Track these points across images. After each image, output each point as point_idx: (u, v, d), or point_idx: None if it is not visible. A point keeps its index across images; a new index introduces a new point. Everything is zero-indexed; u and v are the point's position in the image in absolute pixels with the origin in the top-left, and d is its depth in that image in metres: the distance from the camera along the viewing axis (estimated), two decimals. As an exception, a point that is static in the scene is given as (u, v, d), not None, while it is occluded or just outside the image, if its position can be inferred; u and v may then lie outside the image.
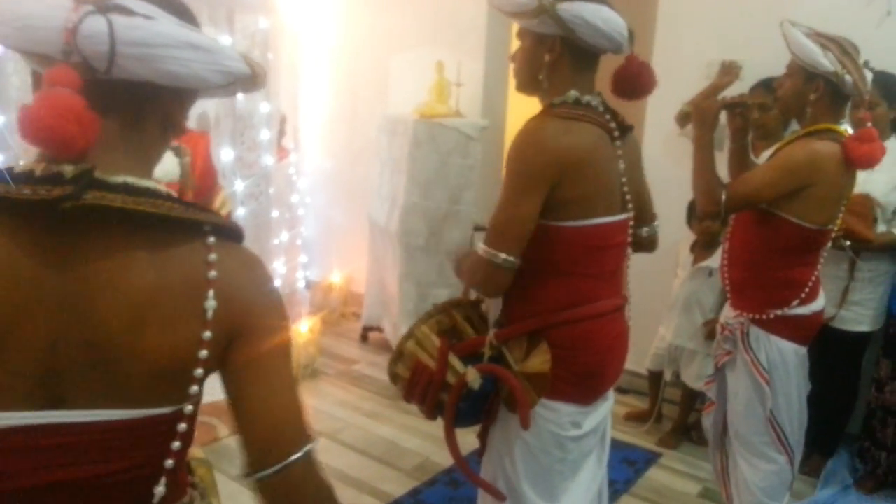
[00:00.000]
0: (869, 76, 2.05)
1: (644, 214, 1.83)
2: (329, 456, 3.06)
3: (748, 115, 2.24)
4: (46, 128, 0.75)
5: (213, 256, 0.86)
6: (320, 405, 3.56)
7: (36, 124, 0.75)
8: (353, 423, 3.40)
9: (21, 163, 0.82)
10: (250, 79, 0.89)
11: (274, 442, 0.89)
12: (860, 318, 2.92)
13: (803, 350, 2.21)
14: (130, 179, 0.83)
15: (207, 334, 0.85)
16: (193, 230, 0.87)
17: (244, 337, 0.89)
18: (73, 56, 0.76)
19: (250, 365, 0.89)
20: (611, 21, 1.56)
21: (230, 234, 0.91)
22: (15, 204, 0.77)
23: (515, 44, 1.72)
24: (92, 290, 0.81)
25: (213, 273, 0.85)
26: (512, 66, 1.73)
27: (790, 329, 2.15)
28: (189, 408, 0.88)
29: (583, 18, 1.53)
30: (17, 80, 3.01)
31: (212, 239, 0.87)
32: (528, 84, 1.69)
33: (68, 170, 0.78)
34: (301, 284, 4.51)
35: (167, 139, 0.92)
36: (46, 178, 0.78)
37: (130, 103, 0.83)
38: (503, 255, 1.56)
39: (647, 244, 1.88)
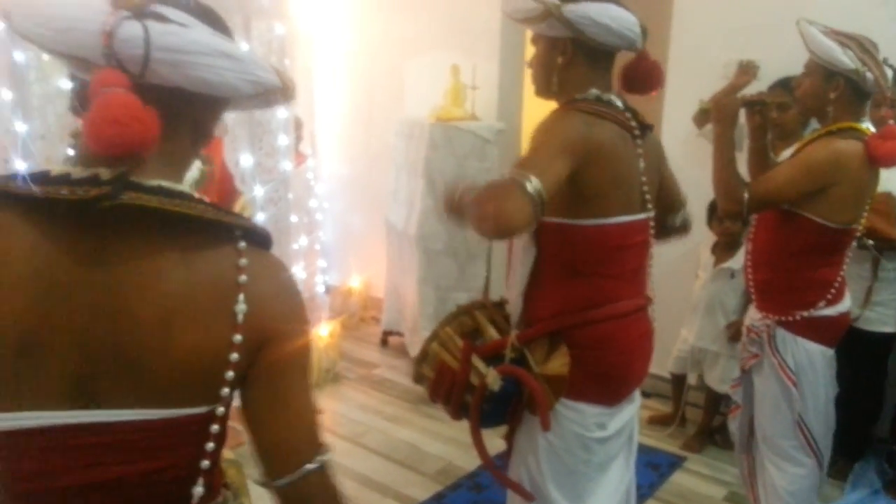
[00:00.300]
0: (890, 73, 2.03)
1: (672, 203, 1.84)
2: (352, 460, 3.07)
3: (767, 113, 2.23)
4: (119, 126, 0.76)
5: (243, 261, 0.87)
6: (342, 409, 3.57)
7: (104, 125, 0.76)
8: (375, 427, 3.40)
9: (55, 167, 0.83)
10: (279, 90, 0.90)
11: (290, 451, 0.91)
12: (884, 318, 2.88)
13: (830, 352, 2.18)
14: (165, 183, 0.84)
15: (238, 337, 0.86)
16: (225, 234, 0.88)
17: (271, 343, 0.90)
18: (112, 60, 0.78)
19: (272, 372, 0.90)
20: (620, 18, 1.56)
21: (260, 239, 0.91)
22: (53, 204, 0.79)
23: (530, 47, 1.73)
24: (125, 290, 0.82)
25: (243, 277, 0.86)
26: (530, 72, 1.74)
27: (817, 331, 2.13)
28: (220, 409, 0.89)
29: (590, 18, 1.53)
30: (39, 88, 3.05)
31: (242, 244, 0.88)
32: (546, 88, 1.69)
33: (104, 172, 0.80)
34: (320, 289, 4.52)
35: (197, 148, 0.93)
36: (83, 180, 0.80)
37: (163, 110, 0.84)
38: (535, 180, 1.37)
39: (679, 230, 1.91)
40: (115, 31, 0.78)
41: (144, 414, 0.83)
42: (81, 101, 0.85)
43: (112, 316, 0.82)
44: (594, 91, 1.62)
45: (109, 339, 0.82)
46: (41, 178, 0.81)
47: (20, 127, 2.93)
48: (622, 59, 1.71)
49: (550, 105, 1.70)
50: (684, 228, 1.93)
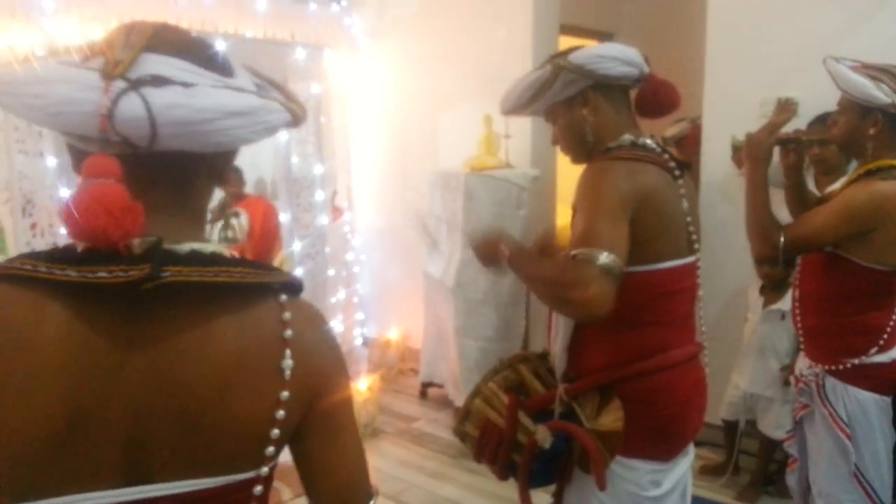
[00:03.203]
0: None
1: None
2: (393, 519, 3.00)
3: (802, 151, 2.16)
4: (90, 227, 0.73)
5: (287, 315, 0.85)
6: (381, 465, 3.50)
7: (80, 223, 0.73)
8: (416, 484, 3.33)
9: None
10: (292, 122, 0.87)
11: (344, 500, 0.92)
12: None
13: (886, 399, 2.06)
14: (196, 246, 0.83)
15: (285, 394, 0.84)
16: (265, 289, 0.86)
17: (320, 396, 0.88)
18: (111, 144, 0.74)
19: (322, 424, 0.89)
20: (622, 49, 1.58)
21: (296, 288, 0.90)
22: (90, 287, 0.75)
23: None
24: (177, 363, 0.80)
25: (288, 332, 0.85)
26: (558, 148, 1.72)
27: (870, 379, 2.01)
28: (265, 469, 0.86)
29: (597, 55, 1.55)
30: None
31: (283, 297, 0.87)
32: (582, 149, 1.66)
33: (136, 243, 0.76)
34: (358, 342, 4.52)
35: (212, 189, 0.92)
36: (118, 258, 0.75)
37: (178, 169, 0.82)
38: (605, 253, 1.34)
39: None
40: (114, 111, 0.72)
41: (196, 484, 0.81)
42: (77, 167, 0.80)
43: (165, 388, 0.79)
44: (627, 137, 1.59)
45: (162, 413, 0.80)
46: (68, 256, 0.77)
47: (64, 192, 3.00)
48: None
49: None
50: None
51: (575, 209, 1.54)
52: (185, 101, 0.75)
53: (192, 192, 0.86)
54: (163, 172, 0.81)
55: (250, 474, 0.84)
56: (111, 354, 0.78)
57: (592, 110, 1.60)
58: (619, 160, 1.56)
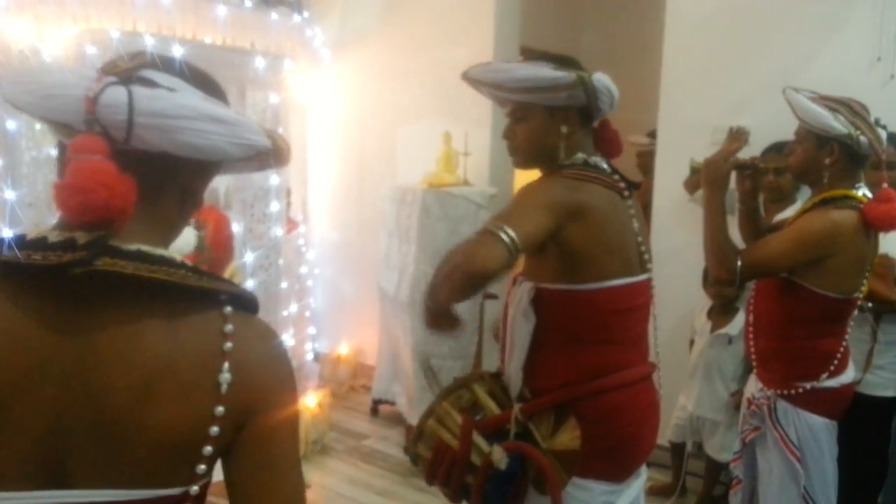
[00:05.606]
0: (883, 134, 2.01)
1: None
2: (341, 538, 2.94)
3: (758, 177, 2.20)
4: (81, 195, 0.74)
5: (229, 327, 0.82)
6: (330, 483, 3.44)
7: (71, 193, 0.74)
8: (365, 502, 3.27)
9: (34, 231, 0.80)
10: (272, 153, 0.88)
11: None
12: (886, 382, 2.82)
13: (835, 424, 2.12)
14: (144, 248, 0.81)
15: (220, 409, 0.80)
16: (209, 299, 0.83)
17: (257, 415, 0.84)
18: (95, 126, 0.76)
19: (259, 446, 0.85)
20: (615, 89, 1.62)
21: (246, 304, 0.87)
22: (25, 270, 0.75)
23: None
24: (101, 360, 0.77)
25: (228, 344, 0.82)
26: (508, 145, 1.70)
27: (820, 403, 2.06)
28: (195, 489, 0.82)
29: (608, 89, 1.59)
30: (29, 156, 3.03)
31: (228, 309, 0.84)
32: (538, 158, 1.68)
33: (81, 236, 0.76)
34: (310, 357, 4.44)
35: (186, 212, 0.90)
36: (58, 244, 0.76)
37: (149, 175, 0.82)
38: (508, 228, 1.37)
39: None
40: (99, 96, 0.77)
41: (119, 495, 0.77)
42: (62, 167, 0.82)
43: (88, 388, 0.76)
44: (580, 156, 1.62)
45: (83, 412, 0.77)
46: (17, 242, 0.77)
47: (9, 194, 2.90)
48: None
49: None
50: None
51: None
52: (166, 95, 0.80)
53: (161, 205, 0.85)
54: (134, 176, 0.80)
55: (177, 491, 0.81)
56: (38, 345, 0.76)
57: (569, 128, 1.61)
58: (565, 178, 1.59)
